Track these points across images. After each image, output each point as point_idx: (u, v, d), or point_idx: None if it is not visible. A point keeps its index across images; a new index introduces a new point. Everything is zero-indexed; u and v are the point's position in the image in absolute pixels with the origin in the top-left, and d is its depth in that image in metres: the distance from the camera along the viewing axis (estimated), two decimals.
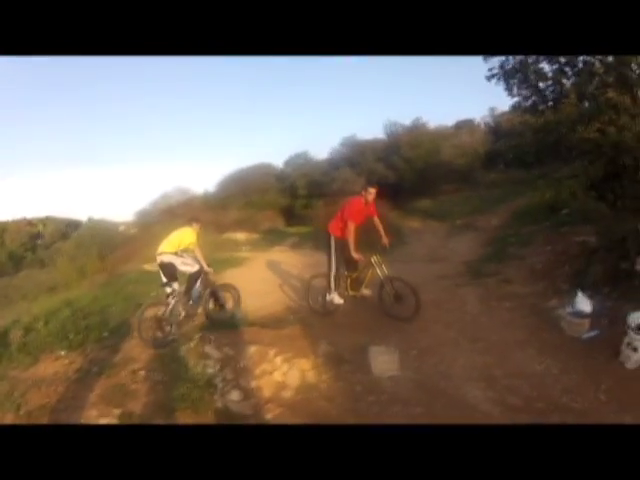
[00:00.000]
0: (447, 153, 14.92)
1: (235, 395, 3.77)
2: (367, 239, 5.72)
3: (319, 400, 3.61)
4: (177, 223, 6.19)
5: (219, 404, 3.69)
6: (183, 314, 5.32)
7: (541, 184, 10.20)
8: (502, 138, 13.22)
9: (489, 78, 6.07)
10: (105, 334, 5.73)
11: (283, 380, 3.85)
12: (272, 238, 11.40)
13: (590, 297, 4.59)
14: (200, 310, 5.50)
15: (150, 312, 5.29)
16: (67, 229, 26.92)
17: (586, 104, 5.69)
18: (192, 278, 5.35)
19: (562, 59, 5.76)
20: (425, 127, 17.58)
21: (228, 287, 5.75)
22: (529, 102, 6.11)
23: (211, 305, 5.55)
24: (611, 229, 5.78)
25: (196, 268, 5.31)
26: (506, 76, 5.98)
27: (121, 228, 18.35)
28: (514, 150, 11.71)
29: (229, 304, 5.65)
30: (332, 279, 5.39)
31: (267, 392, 3.77)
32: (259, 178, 17.54)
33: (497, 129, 14.55)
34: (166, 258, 5.23)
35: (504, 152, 12.61)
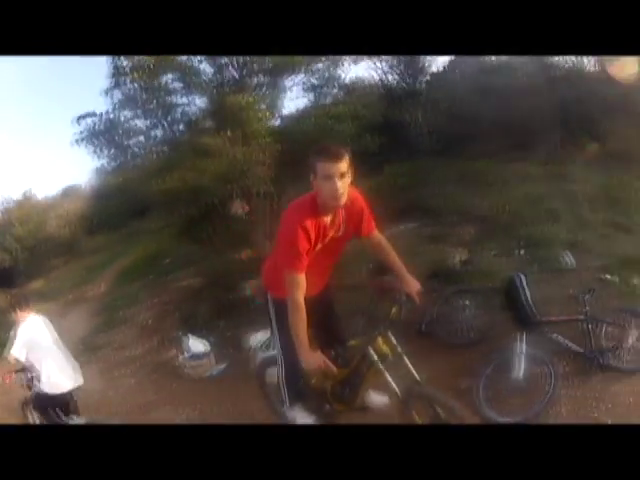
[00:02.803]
0: (53, 224, 14.15)
1: None
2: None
3: None
4: None
5: None
6: None
7: (142, 239, 10.38)
8: (101, 201, 12.93)
9: (78, 141, 5.67)
10: None
11: None
12: None
13: (206, 335, 5.17)
14: None
15: None
16: None
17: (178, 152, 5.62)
18: None
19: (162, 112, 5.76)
20: (35, 198, 15.93)
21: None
22: (116, 162, 5.98)
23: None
24: (212, 266, 6.22)
25: None
26: (94, 137, 5.66)
27: None
28: (106, 212, 11.65)
29: None
30: (283, 381, 2.48)
31: None
32: None
33: (100, 192, 14.42)
34: None
35: (98, 215, 12.73)
